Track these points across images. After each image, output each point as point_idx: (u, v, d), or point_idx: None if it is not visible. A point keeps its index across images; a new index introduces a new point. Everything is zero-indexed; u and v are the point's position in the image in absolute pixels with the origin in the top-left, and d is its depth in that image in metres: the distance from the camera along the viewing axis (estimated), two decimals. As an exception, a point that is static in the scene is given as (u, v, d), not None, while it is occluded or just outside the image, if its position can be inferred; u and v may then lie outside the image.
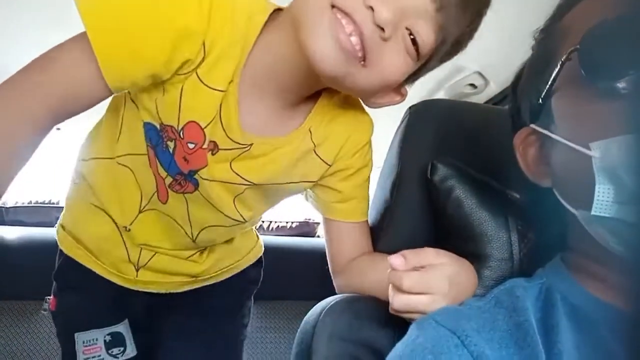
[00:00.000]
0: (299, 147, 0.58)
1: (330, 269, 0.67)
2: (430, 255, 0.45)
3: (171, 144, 0.56)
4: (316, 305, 0.53)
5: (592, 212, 0.34)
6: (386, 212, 0.59)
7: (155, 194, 0.63)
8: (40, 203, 1.51)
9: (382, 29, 0.44)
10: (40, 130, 0.48)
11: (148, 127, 0.56)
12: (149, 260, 0.71)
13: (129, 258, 0.70)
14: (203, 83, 0.51)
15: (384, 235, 0.60)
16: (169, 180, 0.60)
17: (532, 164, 0.44)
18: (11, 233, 1.29)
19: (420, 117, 0.61)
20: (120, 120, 0.60)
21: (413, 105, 0.62)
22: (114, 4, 0.46)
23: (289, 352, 0.56)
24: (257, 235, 0.87)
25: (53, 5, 0.93)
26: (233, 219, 0.64)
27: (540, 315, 0.39)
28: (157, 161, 0.58)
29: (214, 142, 0.55)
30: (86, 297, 0.72)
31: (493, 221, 0.50)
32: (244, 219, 0.64)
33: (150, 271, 0.72)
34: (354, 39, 0.44)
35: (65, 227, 0.72)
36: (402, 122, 0.62)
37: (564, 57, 0.37)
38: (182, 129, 0.53)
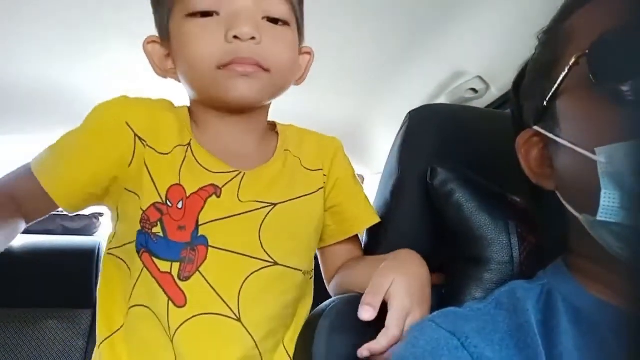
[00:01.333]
0: (286, 165, 0.63)
1: (324, 277, 0.69)
2: (381, 281, 0.50)
3: (158, 229, 0.55)
4: (317, 308, 0.53)
5: (598, 218, 0.34)
6: (386, 216, 0.60)
7: (170, 303, 0.55)
8: (46, 211, 1.52)
9: (253, 38, 0.52)
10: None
11: (138, 238, 0.56)
12: None
13: None
14: (159, 153, 0.57)
15: (385, 240, 0.61)
16: (175, 269, 0.55)
17: (535, 166, 0.43)
18: (16, 241, 1.30)
19: (420, 121, 0.61)
20: (125, 265, 0.59)
21: (413, 110, 0.63)
22: (56, 156, 0.56)
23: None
24: None
25: (53, 15, 0.94)
26: (260, 259, 0.57)
27: (541, 317, 0.39)
28: (155, 260, 0.55)
29: (212, 184, 0.57)
30: None
31: (493, 225, 0.50)
32: (272, 258, 0.58)
33: None
34: (250, 65, 0.52)
35: None
36: (402, 126, 0.63)
37: (572, 61, 0.36)
38: (167, 196, 0.56)
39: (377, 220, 0.64)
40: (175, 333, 0.55)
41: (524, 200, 0.51)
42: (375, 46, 1.10)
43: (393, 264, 0.53)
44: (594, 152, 0.34)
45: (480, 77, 1.07)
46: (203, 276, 0.55)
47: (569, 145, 0.37)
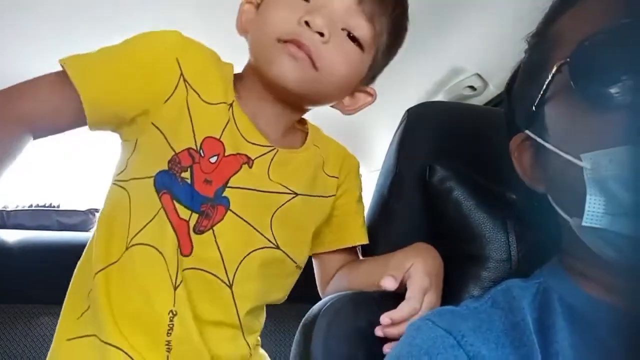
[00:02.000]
0: (314, 158, 0.64)
1: (318, 285, 0.70)
2: (402, 261, 0.52)
3: (187, 174, 0.55)
4: (312, 308, 0.53)
5: (583, 223, 0.34)
6: (384, 214, 0.60)
7: (178, 250, 0.56)
8: (41, 206, 1.52)
9: (321, 34, 0.52)
10: (14, 138, 0.50)
11: (159, 176, 0.55)
12: None
13: None
14: (204, 101, 0.56)
15: (383, 237, 0.61)
16: (194, 219, 0.55)
17: (528, 169, 0.44)
18: (12, 237, 1.30)
19: (418, 119, 0.61)
20: (128, 203, 0.57)
21: (411, 108, 0.63)
22: (95, 59, 0.54)
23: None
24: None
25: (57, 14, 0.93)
26: (266, 238, 0.59)
27: (536, 315, 0.39)
28: (176, 204, 0.55)
29: (243, 154, 0.57)
30: None
31: (491, 223, 0.50)
32: (276, 241, 0.60)
33: None
34: (302, 54, 0.52)
35: None
36: (400, 124, 0.62)
37: (554, 69, 0.37)
38: (201, 146, 0.56)
39: (366, 241, 0.66)
40: (179, 283, 0.55)
41: (522, 198, 0.51)
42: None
43: (412, 250, 0.55)
44: (579, 158, 0.35)
45: (478, 75, 1.07)
46: (214, 235, 0.56)
47: (556, 150, 0.38)
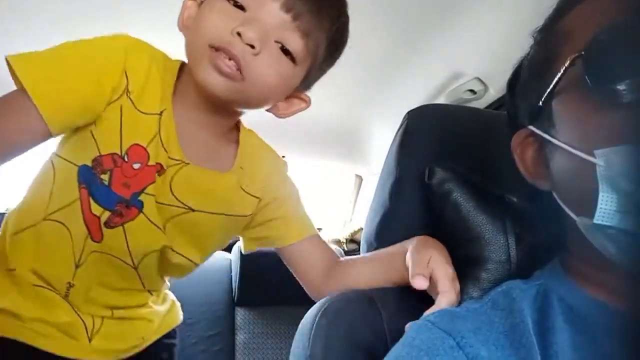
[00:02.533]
0: (232, 184, 0.66)
1: (309, 291, 0.71)
2: (421, 257, 0.51)
3: (105, 176, 0.59)
4: (312, 308, 0.53)
5: (594, 221, 0.33)
6: (385, 216, 0.60)
7: (88, 236, 0.62)
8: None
9: (252, 46, 0.53)
10: None
11: (82, 169, 0.60)
12: (101, 325, 0.68)
13: (84, 326, 0.67)
14: (137, 109, 0.59)
15: (383, 239, 0.61)
16: (105, 216, 0.60)
17: (531, 166, 0.43)
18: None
19: (418, 121, 0.61)
20: (52, 178, 0.62)
21: (411, 110, 0.63)
22: (43, 59, 0.55)
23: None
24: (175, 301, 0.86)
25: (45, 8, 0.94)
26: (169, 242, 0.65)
27: (536, 317, 0.39)
28: (91, 201, 0.60)
29: (159, 163, 0.60)
30: None
31: (490, 224, 0.50)
32: (176, 249, 0.67)
33: (104, 338, 0.69)
34: (231, 63, 0.53)
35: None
36: (400, 126, 0.63)
37: (568, 62, 0.36)
38: (127, 152, 0.59)
39: (314, 232, 0.71)
40: (83, 262, 0.63)
41: (522, 200, 0.51)
42: (373, 48, 1.11)
43: (421, 243, 0.55)
44: (591, 154, 0.34)
45: (478, 79, 1.07)
46: (124, 230, 0.62)
47: (565, 146, 0.37)
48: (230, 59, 0.53)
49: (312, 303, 0.57)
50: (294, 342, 0.53)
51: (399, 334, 0.41)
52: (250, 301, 1.45)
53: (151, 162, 0.60)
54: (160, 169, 0.61)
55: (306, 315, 0.53)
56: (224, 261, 1.55)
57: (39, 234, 0.63)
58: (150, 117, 0.59)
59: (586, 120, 0.36)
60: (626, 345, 0.35)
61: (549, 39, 0.42)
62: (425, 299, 0.50)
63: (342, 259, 0.69)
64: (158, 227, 0.63)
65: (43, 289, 0.65)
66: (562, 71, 0.37)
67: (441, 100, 1.18)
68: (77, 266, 0.64)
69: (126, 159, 0.59)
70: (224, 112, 0.62)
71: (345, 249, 1.75)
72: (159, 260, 0.67)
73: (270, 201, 0.70)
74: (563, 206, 0.39)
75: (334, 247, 1.71)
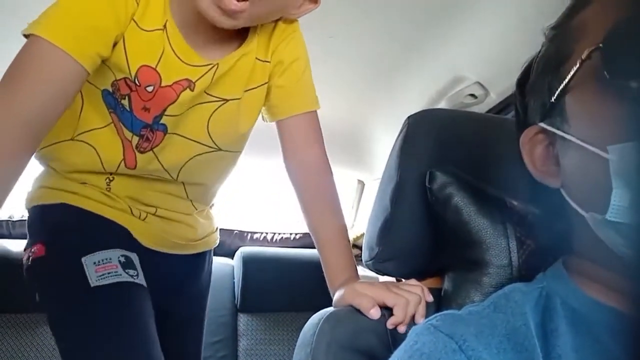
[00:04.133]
0: (252, 55, 0.66)
1: (285, 165, 0.73)
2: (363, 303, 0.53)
3: (125, 102, 0.61)
4: (314, 315, 0.53)
5: (607, 217, 0.33)
6: (386, 221, 0.60)
7: (122, 162, 0.65)
8: (46, 216, 1.53)
9: None
10: (20, 153, 0.52)
11: (105, 93, 0.62)
12: (146, 217, 0.72)
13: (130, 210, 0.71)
14: (140, 28, 0.57)
15: (384, 244, 0.61)
16: (135, 140, 0.64)
17: (539, 164, 0.42)
18: (18, 246, 1.30)
19: (419, 126, 0.61)
20: (81, 97, 0.64)
21: (412, 115, 0.63)
22: (58, 12, 0.53)
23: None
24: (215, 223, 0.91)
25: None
26: (206, 145, 0.68)
27: (539, 320, 0.39)
28: (121, 124, 0.63)
29: (186, 79, 0.60)
30: (92, 232, 0.67)
31: (491, 228, 0.50)
32: (216, 144, 0.69)
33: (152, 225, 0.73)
34: (235, 5, 0.51)
35: (52, 186, 0.70)
36: (401, 131, 0.63)
37: (584, 55, 0.35)
38: (136, 75, 0.59)
39: (316, 107, 0.72)
40: (117, 174, 0.67)
41: (523, 203, 0.51)
42: (375, 53, 1.11)
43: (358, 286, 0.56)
44: (605, 150, 0.33)
45: (479, 83, 1.07)
46: (155, 154, 0.65)
47: (579, 142, 0.36)
48: None
49: (316, 309, 0.57)
50: (296, 348, 0.53)
51: (401, 338, 0.41)
52: (253, 307, 1.45)
53: (165, 83, 0.59)
54: (189, 84, 0.60)
55: (308, 321, 0.53)
56: (227, 268, 1.56)
57: (67, 150, 0.66)
58: (154, 33, 0.58)
59: (600, 116, 0.35)
60: (630, 348, 0.35)
61: (563, 35, 0.41)
62: (428, 303, 0.50)
63: (319, 166, 0.71)
64: (188, 139, 0.65)
65: (85, 185, 0.69)
66: (578, 64, 0.36)
67: (442, 104, 1.18)
68: (110, 177, 0.68)
69: (137, 82, 0.59)
70: None
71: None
72: (198, 169, 0.70)
73: (275, 64, 0.69)
74: (572, 203, 0.39)
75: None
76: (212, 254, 0.90)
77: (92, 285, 0.61)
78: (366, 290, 0.53)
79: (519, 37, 0.87)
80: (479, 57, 1.04)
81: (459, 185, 0.53)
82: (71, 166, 0.68)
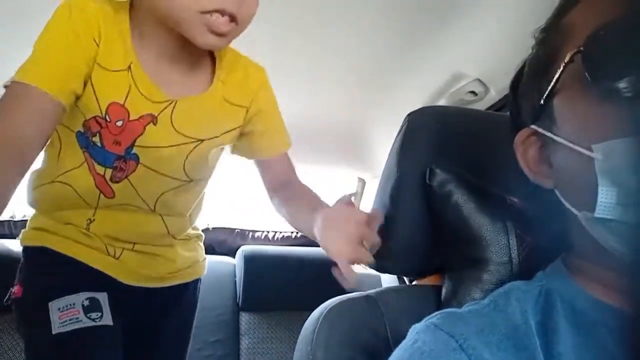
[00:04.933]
0: (218, 98, 0.70)
1: (267, 193, 0.79)
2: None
3: (96, 139, 0.65)
4: (315, 311, 0.53)
5: (595, 215, 0.34)
6: (386, 218, 0.60)
7: (100, 194, 0.69)
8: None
9: None
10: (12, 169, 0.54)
11: (78, 134, 0.66)
12: (121, 254, 0.75)
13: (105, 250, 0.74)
14: (105, 69, 0.62)
15: (385, 241, 0.60)
16: (109, 173, 0.67)
17: (533, 165, 0.43)
18: (19, 246, 1.31)
19: (419, 123, 0.61)
20: (59, 141, 0.68)
21: (412, 112, 0.63)
22: (28, 60, 0.58)
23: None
24: (204, 254, 0.93)
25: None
26: (180, 180, 0.72)
27: (539, 318, 0.39)
28: (93, 161, 0.67)
29: (149, 114, 0.64)
30: (63, 276, 0.71)
31: (492, 225, 0.50)
32: (189, 177, 0.73)
33: (127, 261, 0.75)
34: (226, 19, 0.56)
35: (38, 227, 0.75)
36: (400, 128, 0.63)
37: (567, 58, 0.36)
38: (107, 112, 0.63)
39: (287, 149, 0.78)
40: (100, 207, 0.71)
41: (523, 201, 0.51)
42: (374, 50, 1.11)
43: (324, 226, 0.58)
44: (590, 149, 0.34)
45: (479, 80, 1.07)
46: (130, 183, 0.69)
47: (566, 142, 0.37)
48: (223, 15, 0.55)
49: (318, 306, 0.57)
50: (297, 346, 0.53)
51: (401, 335, 0.41)
52: (255, 306, 1.46)
53: (133, 117, 0.64)
54: (152, 119, 0.65)
55: (309, 318, 0.53)
56: (228, 266, 1.56)
57: (51, 192, 0.71)
58: (119, 73, 0.62)
59: (585, 116, 0.36)
60: (630, 346, 0.35)
61: (550, 38, 0.42)
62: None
63: (295, 184, 0.76)
64: (160, 173, 0.68)
65: (66, 225, 0.72)
66: (562, 67, 0.37)
67: (442, 102, 1.18)
68: (95, 210, 0.71)
69: (108, 119, 0.63)
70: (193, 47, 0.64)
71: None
72: (175, 200, 0.74)
73: (256, 113, 0.74)
74: (565, 203, 0.39)
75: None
76: (199, 283, 0.91)
77: (53, 332, 0.65)
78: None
79: (519, 33, 0.86)
80: (479, 54, 1.03)
81: (458, 183, 0.53)
82: (55, 206, 0.72)
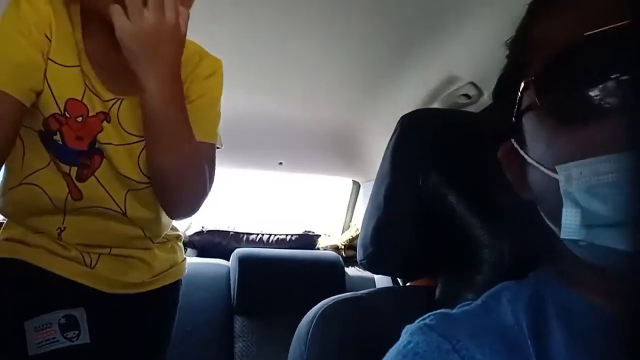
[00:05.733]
0: None
1: None
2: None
3: (57, 137, 0.64)
4: (309, 312, 0.53)
5: (561, 236, 0.34)
6: (380, 220, 0.60)
7: (69, 195, 0.67)
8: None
9: None
10: None
11: (40, 134, 0.65)
12: (97, 261, 0.73)
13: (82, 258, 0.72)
14: (58, 64, 0.61)
15: (378, 243, 0.61)
16: (74, 171, 0.66)
17: (515, 178, 0.43)
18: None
19: (413, 125, 0.61)
20: (22, 143, 0.67)
21: (405, 115, 0.63)
22: None
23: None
24: (183, 255, 0.91)
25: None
26: (141, 182, 0.70)
27: (530, 319, 0.39)
28: (57, 161, 0.66)
29: (102, 112, 0.64)
30: (37, 292, 0.69)
31: (485, 227, 0.50)
32: (148, 182, 0.71)
33: (103, 269, 0.74)
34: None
35: (9, 237, 0.72)
36: (394, 130, 0.63)
37: (522, 87, 0.37)
38: (65, 109, 0.62)
39: (212, 140, 0.73)
40: (68, 211, 0.69)
41: (513, 204, 0.51)
42: (368, 54, 1.11)
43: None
44: (555, 171, 0.34)
45: (473, 83, 1.07)
46: (98, 180, 0.67)
47: (533, 162, 0.37)
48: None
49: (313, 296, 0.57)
50: (291, 347, 0.53)
51: (394, 336, 0.41)
52: (249, 309, 1.45)
53: (92, 113, 0.63)
54: (106, 117, 0.64)
55: (303, 319, 0.53)
56: (223, 269, 1.55)
57: (19, 194, 0.69)
58: (73, 69, 0.62)
59: (547, 138, 0.36)
60: (620, 347, 0.35)
61: (516, 54, 0.43)
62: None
63: None
64: (121, 174, 0.67)
65: (37, 234, 0.71)
66: (519, 94, 0.38)
67: (436, 105, 1.18)
68: (64, 216, 0.69)
69: (68, 115, 0.63)
70: None
71: (344, 255, 1.75)
72: (143, 203, 0.72)
73: (187, 94, 0.70)
74: (544, 217, 0.40)
75: (333, 253, 1.71)
76: (180, 283, 0.88)
77: (29, 354, 0.64)
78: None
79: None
80: (472, 57, 1.04)
81: (452, 185, 0.53)
82: (24, 211, 0.71)
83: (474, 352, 0.36)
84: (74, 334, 0.67)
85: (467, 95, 1.10)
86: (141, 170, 0.69)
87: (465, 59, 1.06)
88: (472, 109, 1.15)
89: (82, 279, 0.72)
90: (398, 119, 0.63)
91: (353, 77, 1.21)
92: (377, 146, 1.48)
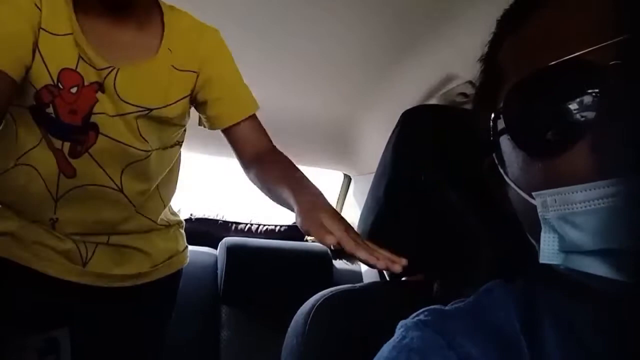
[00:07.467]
0: (165, 65, 0.67)
1: (241, 166, 0.75)
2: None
3: (50, 110, 0.62)
4: (306, 303, 0.53)
5: (540, 260, 0.34)
6: (379, 215, 0.60)
7: (61, 174, 0.65)
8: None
9: None
10: None
11: (32, 110, 0.63)
12: (94, 252, 0.71)
13: (79, 253, 0.71)
14: (51, 33, 0.59)
15: (377, 238, 0.60)
16: (67, 147, 0.64)
17: (497, 192, 0.43)
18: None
19: (414, 122, 0.61)
20: (14, 123, 0.65)
21: (406, 111, 0.63)
22: None
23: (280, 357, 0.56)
24: (185, 243, 0.89)
25: None
26: (142, 151, 0.68)
27: (522, 316, 0.40)
28: (49, 136, 0.63)
29: (96, 82, 0.62)
30: (22, 308, 0.69)
31: (485, 225, 0.51)
32: (151, 148, 0.70)
33: (98, 263, 0.72)
34: None
35: (3, 231, 0.70)
36: (395, 127, 0.63)
37: (492, 116, 0.37)
38: (59, 79, 0.60)
39: (255, 109, 0.73)
40: (61, 196, 0.66)
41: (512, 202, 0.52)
42: (366, 50, 1.11)
43: (310, 208, 0.59)
44: (532, 196, 0.34)
45: (471, 82, 1.08)
46: (92, 156, 0.65)
47: (510, 183, 0.38)
48: None
49: (299, 301, 0.57)
50: (286, 337, 0.52)
51: (390, 330, 0.41)
52: (236, 298, 1.45)
53: (87, 83, 0.61)
54: (100, 87, 0.62)
55: (300, 310, 0.53)
56: (210, 258, 1.54)
57: (13, 176, 0.67)
58: (66, 38, 0.60)
59: (522, 163, 0.36)
60: (613, 344, 0.35)
61: (487, 75, 0.43)
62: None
63: (271, 150, 0.73)
64: (121, 142, 0.65)
65: (32, 224, 0.68)
66: (491, 123, 0.38)
67: (433, 103, 1.19)
68: (55, 202, 0.67)
69: (61, 86, 0.60)
70: (133, 5, 0.63)
71: (332, 248, 1.75)
72: (140, 176, 0.70)
73: (207, 79, 0.70)
74: (526, 232, 0.40)
75: (321, 246, 1.71)
76: (180, 273, 0.87)
77: None
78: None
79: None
80: (470, 56, 1.03)
81: (452, 182, 0.53)
82: (18, 195, 0.68)
83: (469, 348, 0.37)
84: (53, 358, 0.68)
85: (464, 94, 1.11)
86: (143, 138, 0.68)
87: (464, 58, 1.06)
88: (469, 107, 1.15)
89: (76, 278, 0.70)
90: (394, 115, 0.63)
91: (351, 73, 1.21)
92: (370, 141, 1.48)
